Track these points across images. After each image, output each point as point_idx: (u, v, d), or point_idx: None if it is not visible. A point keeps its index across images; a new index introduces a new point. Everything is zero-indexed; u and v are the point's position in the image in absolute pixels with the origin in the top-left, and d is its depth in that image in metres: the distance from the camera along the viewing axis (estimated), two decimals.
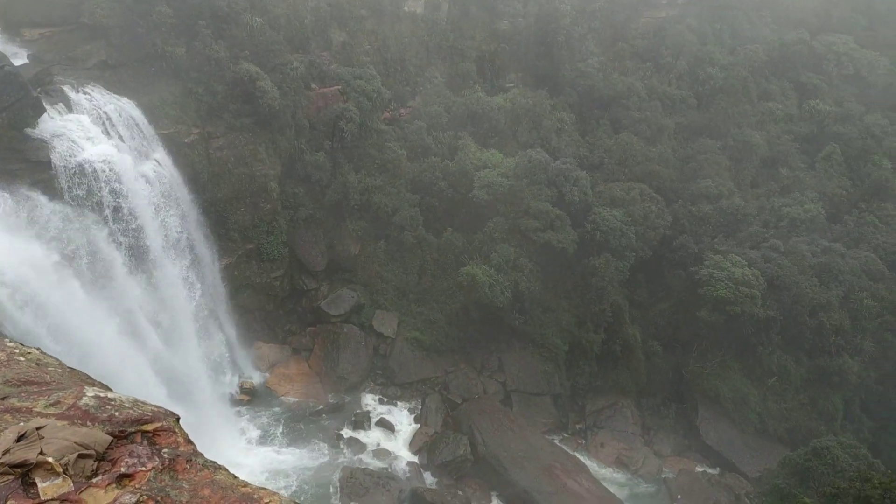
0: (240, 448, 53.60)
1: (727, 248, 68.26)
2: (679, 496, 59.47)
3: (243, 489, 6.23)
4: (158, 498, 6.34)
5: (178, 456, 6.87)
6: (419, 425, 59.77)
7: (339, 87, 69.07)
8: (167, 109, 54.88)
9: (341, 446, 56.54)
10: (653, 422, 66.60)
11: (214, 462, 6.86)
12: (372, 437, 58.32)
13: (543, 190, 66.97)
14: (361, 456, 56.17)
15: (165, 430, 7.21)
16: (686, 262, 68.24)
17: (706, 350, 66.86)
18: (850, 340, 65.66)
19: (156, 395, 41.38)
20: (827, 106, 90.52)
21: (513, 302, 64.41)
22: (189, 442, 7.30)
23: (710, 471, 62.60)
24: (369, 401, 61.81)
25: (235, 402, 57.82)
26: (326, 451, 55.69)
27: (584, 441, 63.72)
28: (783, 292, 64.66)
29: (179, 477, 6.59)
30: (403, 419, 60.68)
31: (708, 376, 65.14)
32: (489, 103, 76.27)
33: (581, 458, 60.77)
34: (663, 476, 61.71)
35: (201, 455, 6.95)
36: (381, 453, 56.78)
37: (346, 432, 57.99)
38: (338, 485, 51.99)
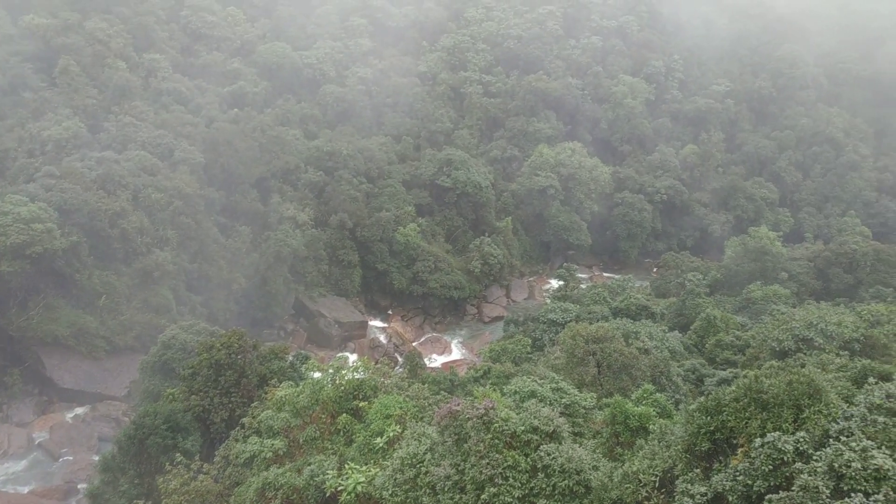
0: None
1: (1, 190, 63.15)
2: (63, 451, 56.97)
3: None
4: None
5: None
6: None
7: None
8: None
9: None
10: (3, 396, 60.77)
11: None
12: None
13: None
14: None
15: None
16: None
17: (24, 300, 62.64)
18: (154, 235, 69.76)
19: None
20: (43, 19, 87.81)
21: None
22: None
23: (80, 411, 61.27)
24: None
25: None
26: None
27: None
28: (77, 214, 63.93)
29: None
30: None
31: (38, 324, 61.63)
32: None
33: None
34: (38, 442, 57.94)
35: None
36: None
37: None
38: None
